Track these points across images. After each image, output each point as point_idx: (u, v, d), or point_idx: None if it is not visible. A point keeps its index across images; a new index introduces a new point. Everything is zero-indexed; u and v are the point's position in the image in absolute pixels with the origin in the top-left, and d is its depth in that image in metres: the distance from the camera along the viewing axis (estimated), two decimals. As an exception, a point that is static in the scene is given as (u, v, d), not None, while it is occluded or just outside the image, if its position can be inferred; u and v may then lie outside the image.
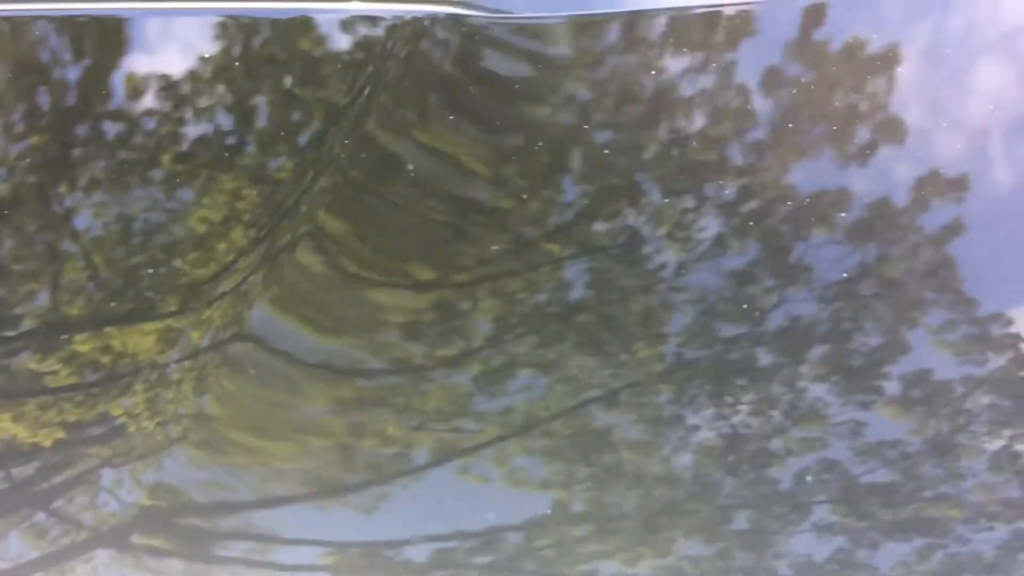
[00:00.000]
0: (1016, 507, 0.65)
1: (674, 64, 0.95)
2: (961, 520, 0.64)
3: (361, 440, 0.73)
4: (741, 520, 0.66)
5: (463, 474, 0.71)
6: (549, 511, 0.68)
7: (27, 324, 0.87)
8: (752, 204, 0.84)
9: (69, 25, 1.08)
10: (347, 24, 1.02)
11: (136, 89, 1.01)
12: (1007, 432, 0.68)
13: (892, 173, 0.84)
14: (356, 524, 0.69)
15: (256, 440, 0.75)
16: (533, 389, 0.75)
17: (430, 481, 0.71)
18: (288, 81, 1.02)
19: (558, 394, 0.74)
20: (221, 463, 0.73)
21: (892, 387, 0.71)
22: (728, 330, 0.76)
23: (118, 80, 1.03)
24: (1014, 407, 0.69)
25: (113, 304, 0.87)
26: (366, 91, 0.96)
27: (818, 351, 0.74)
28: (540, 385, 0.75)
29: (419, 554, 0.67)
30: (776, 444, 0.70)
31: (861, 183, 0.84)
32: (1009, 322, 0.74)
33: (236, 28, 1.05)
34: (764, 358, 0.74)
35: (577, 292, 0.82)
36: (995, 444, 0.68)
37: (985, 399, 0.70)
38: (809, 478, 0.67)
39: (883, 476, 0.67)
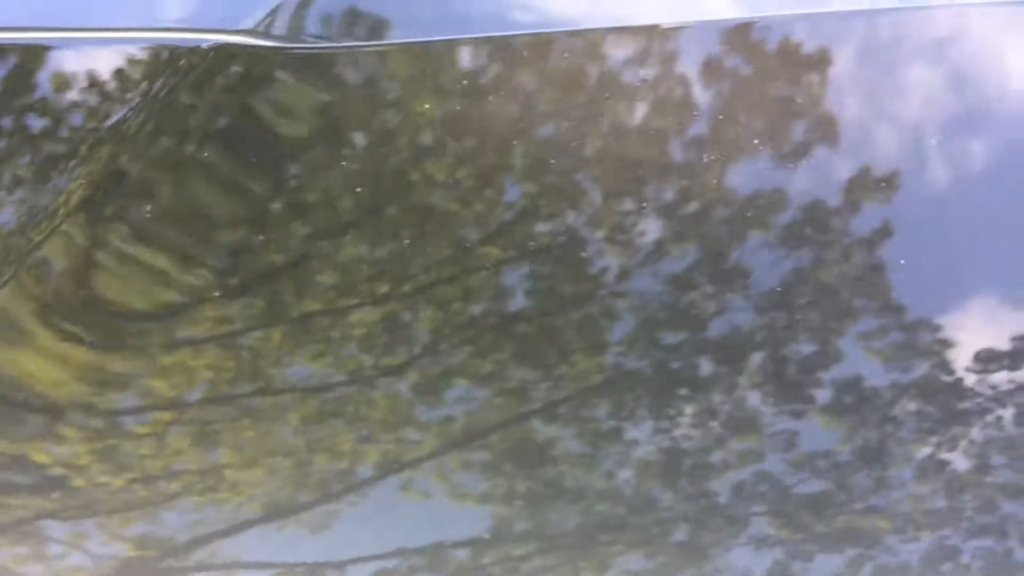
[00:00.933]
0: (941, 516, 0.67)
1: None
2: (890, 531, 0.67)
3: (315, 456, 0.74)
4: (680, 534, 0.68)
5: (406, 490, 0.72)
6: (492, 528, 0.69)
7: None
8: (685, 208, 0.85)
9: None
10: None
11: None
12: (934, 439, 0.71)
13: (822, 176, 0.85)
14: (307, 544, 0.70)
15: (231, 473, 0.75)
16: (474, 400, 0.76)
17: (376, 497, 0.72)
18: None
19: (499, 405, 0.75)
20: (198, 500, 0.73)
21: (824, 395, 0.73)
22: (667, 338, 0.78)
23: None
24: (940, 414, 0.71)
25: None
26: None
27: (754, 359, 0.76)
28: (480, 396, 0.76)
29: (363, 574, 0.68)
30: (714, 456, 0.71)
31: (793, 186, 0.85)
32: (935, 328, 0.76)
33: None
34: (703, 367, 0.76)
35: (516, 300, 0.82)
36: (922, 452, 0.70)
37: (912, 406, 0.72)
38: (746, 490, 0.69)
39: (816, 487, 0.69)
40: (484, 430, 0.74)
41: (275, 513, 0.71)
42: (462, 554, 0.68)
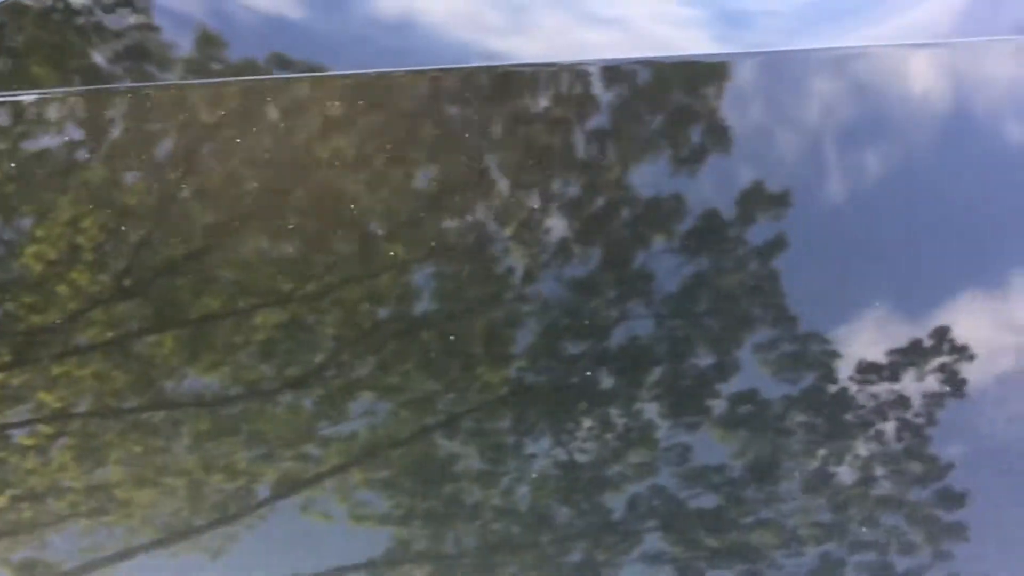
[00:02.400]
0: (826, 530, 0.69)
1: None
2: (778, 545, 0.69)
3: (212, 476, 0.73)
4: (575, 552, 0.69)
5: (306, 511, 0.71)
6: (389, 549, 0.69)
7: None
8: (587, 214, 0.85)
9: None
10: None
11: None
12: (821, 452, 0.73)
13: (719, 189, 0.86)
14: (204, 570, 0.69)
15: (122, 492, 0.73)
16: (377, 414, 0.75)
17: (275, 519, 0.71)
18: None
19: (402, 419, 0.75)
20: (85, 521, 0.71)
21: (718, 408, 0.75)
22: (568, 349, 0.78)
23: None
24: (826, 427, 0.73)
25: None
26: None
27: (652, 371, 0.77)
28: (382, 410, 0.76)
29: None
30: (611, 471, 0.72)
31: (692, 197, 0.86)
32: (824, 340, 0.78)
33: None
34: (603, 380, 0.76)
35: (421, 307, 0.82)
36: (810, 465, 0.72)
37: (801, 418, 0.74)
38: (640, 506, 0.71)
39: (708, 501, 0.71)
40: (386, 446, 0.74)
41: (169, 537, 0.70)
42: (358, 576, 0.68)
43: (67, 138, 0.94)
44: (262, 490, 0.72)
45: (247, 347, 0.80)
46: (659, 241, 0.83)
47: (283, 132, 0.92)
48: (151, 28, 1.04)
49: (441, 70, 0.93)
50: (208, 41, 1.01)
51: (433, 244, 0.84)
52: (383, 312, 0.82)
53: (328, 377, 0.77)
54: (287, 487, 0.72)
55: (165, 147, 0.91)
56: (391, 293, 0.82)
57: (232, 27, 1.02)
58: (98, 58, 1.04)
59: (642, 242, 0.83)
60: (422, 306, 0.82)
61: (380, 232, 0.85)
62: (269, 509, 0.71)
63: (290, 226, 0.86)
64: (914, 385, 0.75)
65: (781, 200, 0.84)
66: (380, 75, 0.93)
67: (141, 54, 1.03)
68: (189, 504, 0.71)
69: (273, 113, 0.93)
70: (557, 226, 0.85)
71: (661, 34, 0.97)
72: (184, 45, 1.03)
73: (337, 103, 0.92)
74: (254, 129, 0.91)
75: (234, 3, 1.03)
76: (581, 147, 0.89)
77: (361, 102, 0.91)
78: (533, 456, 0.73)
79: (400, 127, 0.91)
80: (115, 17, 1.05)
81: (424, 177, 0.89)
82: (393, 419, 0.75)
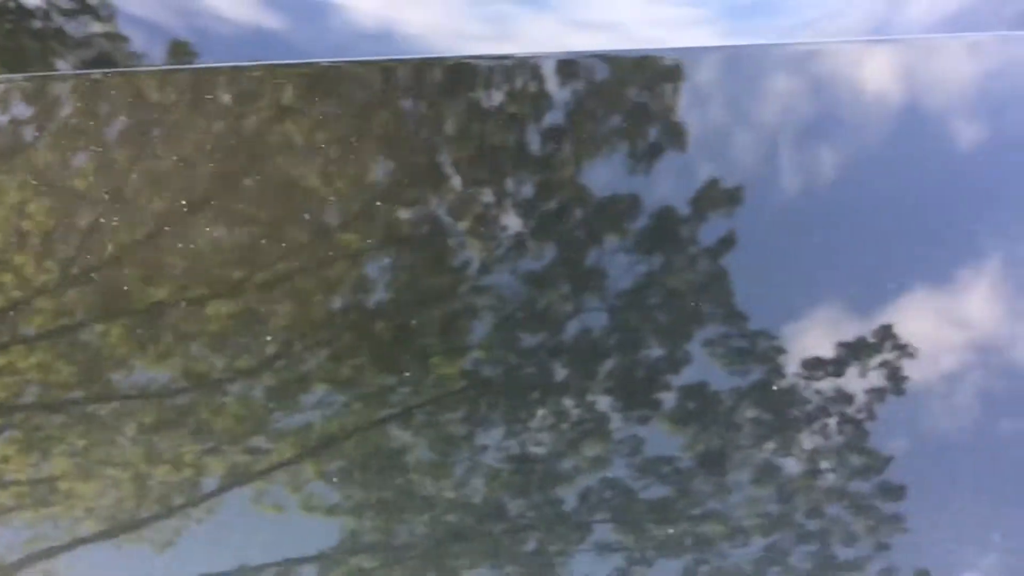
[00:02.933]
0: (772, 520, 0.71)
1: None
2: (726, 535, 0.70)
3: (157, 469, 0.72)
4: (527, 542, 0.70)
5: (257, 503, 0.71)
6: (342, 540, 0.69)
7: None
8: (543, 209, 0.86)
9: None
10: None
11: None
12: (769, 445, 0.74)
13: (674, 186, 0.87)
14: (151, 562, 0.68)
15: (65, 483, 0.71)
16: (328, 406, 0.75)
17: (224, 511, 0.70)
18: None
19: (353, 412, 0.75)
20: (29, 514, 0.70)
21: (669, 401, 0.76)
22: (523, 342, 0.78)
23: None
24: (775, 421, 0.75)
25: None
26: None
27: (605, 365, 0.77)
28: (335, 402, 0.75)
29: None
30: (563, 463, 0.73)
31: (647, 194, 0.86)
32: (772, 336, 0.79)
33: None
34: (556, 373, 0.77)
35: (375, 298, 0.82)
36: (758, 458, 0.74)
37: (751, 412, 0.76)
38: (592, 497, 0.71)
39: (659, 492, 0.72)
40: (339, 437, 0.73)
41: (114, 529, 0.69)
42: (309, 570, 0.68)
43: (13, 120, 0.92)
44: (211, 482, 0.72)
45: (197, 338, 0.79)
46: (613, 237, 0.84)
47: (235, 120, 0.91)
48: (119, 38, 1.02)
49: (393, 61, 0.93)
50: (177, 48, 1.00)
51: (387, 235, 0.84)
52: (336, 303, 0.81)
53: (280, 368, 0.77)
54: (237, 479, 0.72)
55: (114, 133, 0.90)
56: (345, 284, 0.82)
57: (206, 37, 1.01)
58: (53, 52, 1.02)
59: (596, 237, 0.84)
60: (376, 297, 0.81)
61: (334, 222, 0.85)
62: (218, 501, 0.71)
63: (242, 215, 0.85)
64: (860, 381, 0.77)
65: (734, 197, 0.85)
66: (331, 65, 0.93)
67: (100, 53, 1.01)
68: (134, 496, 0.70)
69: (225, 101, 0.92)
70: (512, 220, 0.85)
71: (645, 35, 0.98)
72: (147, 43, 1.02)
73: (289, 92, 0.91)
74: (205, 117, 0.90)
75: (208, 14, 1.01)
76: (535, 140, 0.89)
77: (313, 92, 0.91)
78: (486, 448, 0.73)
79: (352, 117, 0.91)
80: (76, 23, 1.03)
81: (378, 169, 0.89)
82: (346, 411, 0.75)
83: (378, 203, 0.85)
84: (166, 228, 0.84)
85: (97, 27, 1.03)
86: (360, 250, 0.83)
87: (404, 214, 0.85)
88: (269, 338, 0.78)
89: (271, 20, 1.02)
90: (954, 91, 0.92)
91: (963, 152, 0.89)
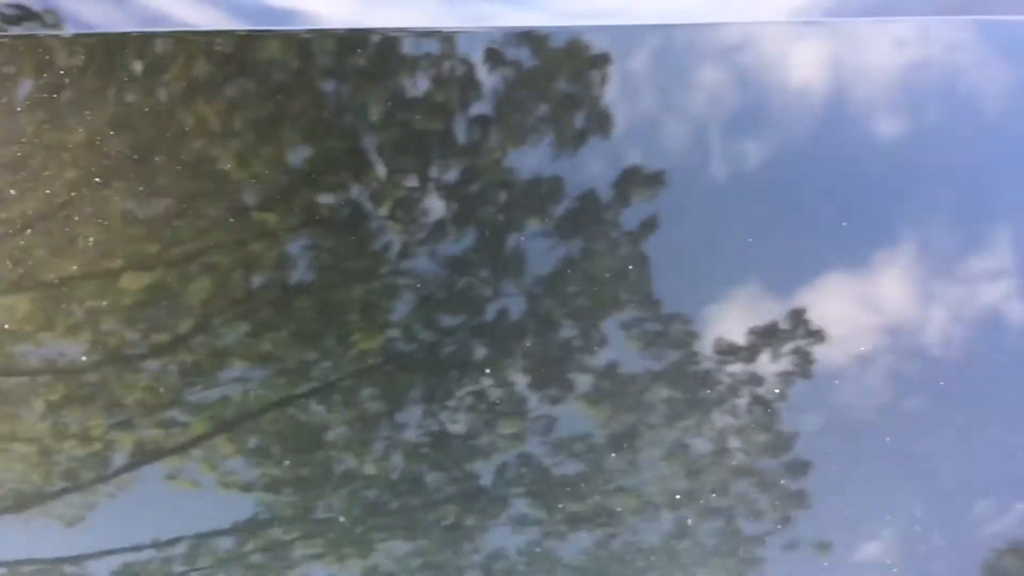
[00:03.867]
0: (682, 496, 0.73)
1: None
2: (636, 509, 0.72)
3: (66, 443, 0.70)
4: (443, 517, 0.71)
5: (172, 479, 0.70)
6: (259, 514, 0.69)
7: None
8: (467, 191, 0.86)
9: None
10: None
11: None
12: (680, 424, 0.76)
13: (597, 167, 0.89)
14: (59, 538, 0.67)
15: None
16: (246, 381, 0.75)
17: (138, 487, 0.70)
18: None
19: (271, 387, 0.74)
20: None
21: (585, 382, 0.77)
22: (442, 321, 0.79)
23: None
24: (686, 401, 0.77)
25: None
26: None
27: (522, 345, 0.79)
28: (253, 377, 0.75)
29: (120, 566, 0.66)
30: (481, 439, 0.74)
31: (570, 176, 0.88)
32: (686, 320, 0.81)
33: None
34: (475, 352, 0.78)
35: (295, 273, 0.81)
36: (670, 436, 0.76)
37: (663, 392, 0.78)
38: (508, 472, 0.73)
39: (572, 468, 0.74)
40: (257, 413, 0.73)
41: (21, 504, 0.68)
42: (224, 542, 0.68)
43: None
44: (122, 457, 0.71)
45: (109, 312, 0.78)
46: (533, 221, 0.85)
47: (148, 89, 0.89)
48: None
49: (312, 31, 0.92)
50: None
51: (307, 213, 0.83)
52: (255, 279, 0.81)
53: (196, 343, 0.76)
54: (151, 454, 0.71)
55: (19, 98, 0.87)
56: (263, 261, 0.81)
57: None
58: None
59: (517, 221, 0.85)
60: (296, 275, 0.81)
61: (252, 199, 0.84)
62: (131, 477, 0.70)
63: (157, 188, 0.83)
64: (773, 363, 0.79)
65: (655, 180, 0.87)
66: (250, 34, 0.92)
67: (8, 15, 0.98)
68: (41, 471, 0.69)
69: (137, 69, 0.90)
70: (433, 203, 0.86)
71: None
72: None
73: (205, 62, 0.90)
74: (117, 85, 0.88)
75: None
76: (459, 117, 0.90)
77: (230, 62, 0.89)
78: (404, 424, 0.74)
79: (271, 88, 0.90)
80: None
81: (296, 147, 0.88)
82: (264, 386, 0.74)
83: (295, 179, 0.85)
84: (77, 199, 0.82)
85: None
86: (279, 228, 0.82)
87: (324, 191, 0.84)
88: (186, 313, 0.77)
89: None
90: (878, 77, 0.94)
91: (885, 138, 0.91)
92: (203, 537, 0.68)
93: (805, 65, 0.94)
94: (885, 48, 0.96)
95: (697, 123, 0.91)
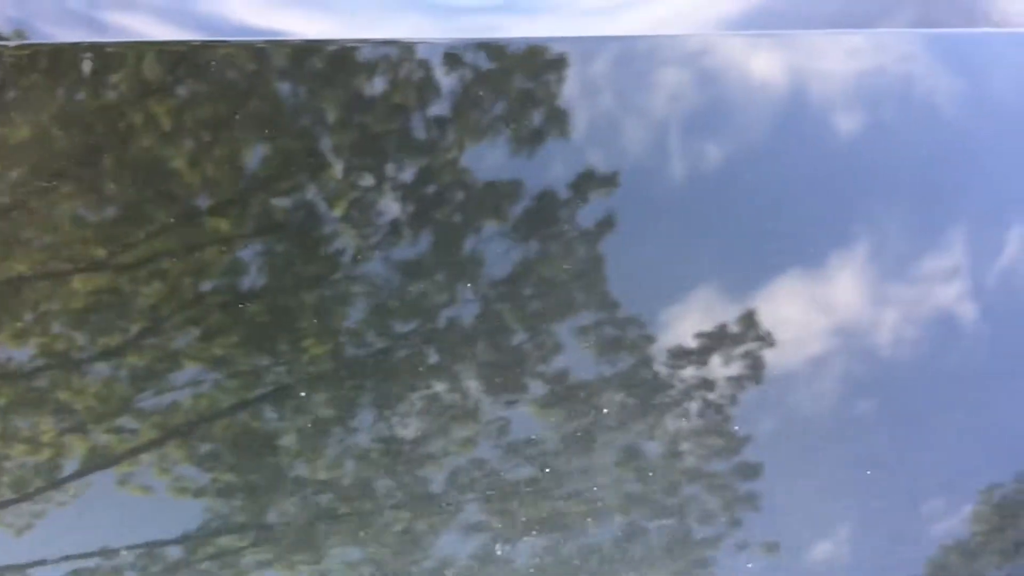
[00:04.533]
0: (633, 500, 0.74)
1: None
2: (587, 513, 0.73)
3: (14, 449, 0.70)
4: (395, 522, 0.71)
5: (123, 485, 0.70)
6: (209, 521, 0.69)
7: None
8: (423, 193, 0.86)
9: None
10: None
11: None
12: (634, 429, 0.77)
13: (552, 170, 0.89)
14: (8, 545, 0.67)
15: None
16: (197, 386, 0.74)
17: (89, 494, 0.69)
18: None
19: (223, 392, 0.74)
20: None
21: (538, 386, 0.78)
22: (396, 326, 0.79)
23: None
24: (639, 407, 0.78)
25: None
26: None
27: (475, 349, 0.79)
28: (205, 382, 0.75)
29: (69, 574, 0.66)
30: (433, 444, 0.74)
31: (525, 178, 0.88)
32: (641, 324, 0.82)
33: None
34: (430, 356, 0.78)
35: (247, 278, 0.81)
36: (622, 441, 0.76)
37: (616, 397, 0.78)
38: (460, 478, 0.73)
39: (524, 473, 0.74)
40: (208, 418, 0.73)
41: (18, 503, 0.67)
42: (174, 551, 0.68)
43: None
44: (73, 464, 0.70)
45: (58, 315, 0.77)
46: (488, 224, 0.85)
47: (100, 95, 0.88)
48: None
49: (269, 43, 0.91)
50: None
51: (260, 218, 0.83)
52: (207, 283, 0.80)
53: (147, 347, 0.76)
54: (101, 460, 0.70)
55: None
56: (216, 265, 0.81)
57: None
58: None
59: (471, 224, 0.85)
60: (248, 280, 0.81)
61: (205, 202, 0.83)
62: (81, 484, 0.69)
63: (107, 192, 0.83)
64: (726, 366, 0.80)
65: (611, 182, 0.87)
66: (205, 44, 0.91)
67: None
68: None
69: (86, 70, 0.89)
70: (388, 206, 0.86)
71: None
72: None
73: (159, 69, 0.89)
74: (66, 86, 0.87)
75: None
76: (415, 127, 0.90)
77: (180, 64, 0.89)
78: (357, 430, 0.74)
79: (225, 97, 0.89)
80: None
81: (251, 152, 0.88)
82: (216, 391, 0.74)
83: (250, 185, 0.84)
84: (25, 201, 0.81)
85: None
86: (231, 233, 0.82)
87: (278, 198, 0.84)
88: (136, 317, 0.77)
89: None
90: (830, 86, 0.95)
91: (842, 143, 0.92)
92: (153, 544, 0.67)
93: (760, 74, 0.95)
94: (838, 58, 0.97)
95: (653, 128, 0.91)
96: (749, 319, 0.82)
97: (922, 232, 0.88)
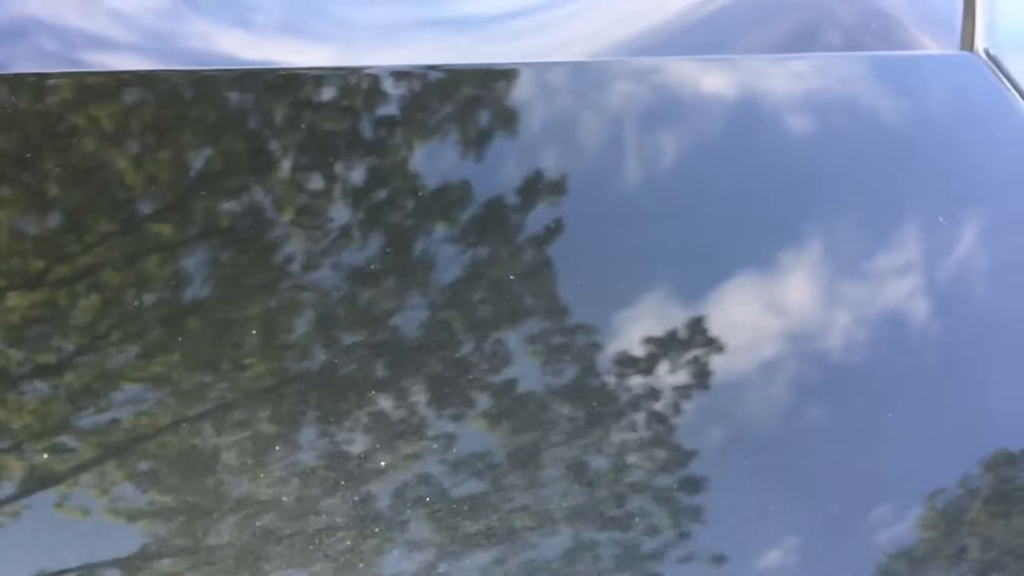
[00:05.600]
0: (579, 512, 0.74)
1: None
2: (534, 527, 0.72)
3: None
4: (337, 542, 0.70)
5: (59, 507, 0.69)
6: (148, 543, 0.68)
7: None
8: (372, 198, 0.85)
9: None
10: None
11: None
12: (579, 442, 0.77)
13: (499, 173, 0.88)
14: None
15: None
16: (137, 404, 0.73)
17: (23, 516, 0.68)
18: None
19: (163, 410, 0.73)
20: None
21: (485, 399, 0.77)
22: (341, 338, 0.78)
23: None
24: (586, 418, 0.77)
25: None
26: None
27: (422, 362, 0.78)
28: (144, 400, 0.74)
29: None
30: (379, 459, 0.73)
31: (477, 181, 0.87)
32: (590, 331, 0.81)
33: None
34: (374, 370, 0.77)
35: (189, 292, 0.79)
36: (569, 454, 0.76)
37: (564, 409, 0.78)
38: (406, 493, 0.72)
39: (470, 488, 0.73)
40: (148, 437, 0.72)
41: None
42: (112, 573, 0.67)
43: None
44: (8, 485, 0.69)
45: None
46: (435, 233, 0.84)
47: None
48: None
49: (215, 71, 0.90)
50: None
51: (205, 226, 0.82)
52: (148, 298, 0.79)
53: (84, 364, 0.74)
54: (38, 481, 0.69)
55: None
56: (157, 278, 0.79)
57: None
58: None
59: (418, 233, 0.84)
60: (191, 292, 0.79)
61: (146, 213, 0.82)
62: (18, 505, 0.68)
63: (44, 202, 0.81)
64: (676, 374, 0.80)
65: (558, 190, 0.87)
66: (150, 73, 0.90)
67: None
68: None
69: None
70: (338, 212, 0.85)
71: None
72: None
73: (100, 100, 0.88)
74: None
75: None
76: (361, 150, 0.89)
77: (126, 98, 0.88)
78: (300, 447, 0.73)
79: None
80: None
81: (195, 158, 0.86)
82: (156, 410, 0.73)
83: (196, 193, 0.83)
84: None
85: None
86: (174, 242, 0.81)
87: (224, 204, 0.83)
88: (74, 333, 0.75)
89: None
90: (778, 105, 0.97)
91: (786, 157, 0.93)
92: (91, 567, 0.66)
93: (713, 94, 0.96)
94: (786, 80, 0.98)
95: (605, 134, 0.91)
96: (697, 324, 0.82)
97: (860, 239, 0.89)
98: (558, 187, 0.88)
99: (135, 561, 0.67)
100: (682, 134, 0.93)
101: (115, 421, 0.72)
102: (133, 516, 0.69)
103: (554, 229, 0.86)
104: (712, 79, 0.98)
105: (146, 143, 0.87)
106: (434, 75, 0.95)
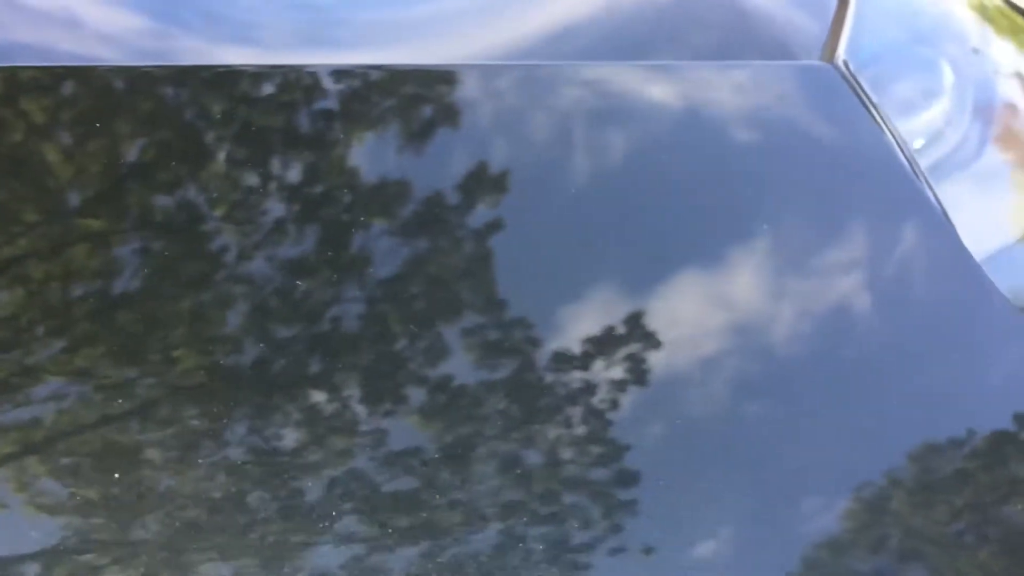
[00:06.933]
0: (511, 508, 0.73)
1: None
2: (464, 523, 0.72)
3: None
4: (264, 536, 0.69)
5: (-25, 501, 0.67)
6: (68, 539, 0.66)
7: None
8: (309, 192, 0.85)
9: None
10: None
11: None
12: (514, 436, 0.76)
13: (442, 169, 0.88)
14: None
15: None
16: (60, 399, 0.72)
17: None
18: None
19: (88, 405, 0.72)
20: None
21: (418, 395, 0.77)
22: (277, 332, 0.77)
23: None
24: (522, 413, 0.77)
25: None
26: None
27: (354, 357, 0.77)
28: (68, 394, 0.72)
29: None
30: (309, 456, 0.73)
31: (415, 177, 0.87)
32: (528, 325, 0.81)
33: None
34: (305, 365, 0.76)
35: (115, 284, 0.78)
36: (503, 448, 0.76)
37: (500, 404, 0.77)
38: (336, 489, 0.71)
39: (402, 484, 0.73)
40: (72, 432, 0.70)
41: None
42: (31, 569, 0.65)
43: None
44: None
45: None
46: (374, 229, 0.84)
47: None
48: None
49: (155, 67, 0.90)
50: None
51: (136, 219, 0.81)
52: (73, 290, 0.78)
53: (6, 360, 0.73)
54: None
55: None
56: (83, 269, 0.78)
57: None
58: None
59: (357, 226, 0.84)
60: (119, 285, 0.78)
61: (73, 204, 0.81)
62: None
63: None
64: (612, 370, 0.80)
65: (499, 187, 0.87)
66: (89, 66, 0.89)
67: None
68: None
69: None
70: (272, 205, 0.84)
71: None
72: None
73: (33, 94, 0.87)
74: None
75: None
76: (303, 117, 0.89)
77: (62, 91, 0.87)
78: (228, 442, 0.72)
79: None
80: None
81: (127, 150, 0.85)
82: (80, 404, 0.72)
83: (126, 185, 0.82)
84: None
85: None
86: (103, 232, 0.80)
87: (155, 198, 0.82)
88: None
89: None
90: (718, 110, 0.98)
91: (734, 157, 0.94)
92: (8, 562, 0.65)
93: (654, 95, 0.96)
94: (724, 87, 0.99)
95: (547, 132, 0.92)
96: (635, 320, 0.82)
97: (794, 237, 0.90)
98: (496, 184, 0.88)
99: (56, 554, 0.66)
100: (628, 125, 0.93)
101: (36, 417, 0.71)
102: (53, 510, 0.68)
103: (492, 226, 0.86)
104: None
105: (76, 136, 0.86)
106: (374, 75, 0.95)
